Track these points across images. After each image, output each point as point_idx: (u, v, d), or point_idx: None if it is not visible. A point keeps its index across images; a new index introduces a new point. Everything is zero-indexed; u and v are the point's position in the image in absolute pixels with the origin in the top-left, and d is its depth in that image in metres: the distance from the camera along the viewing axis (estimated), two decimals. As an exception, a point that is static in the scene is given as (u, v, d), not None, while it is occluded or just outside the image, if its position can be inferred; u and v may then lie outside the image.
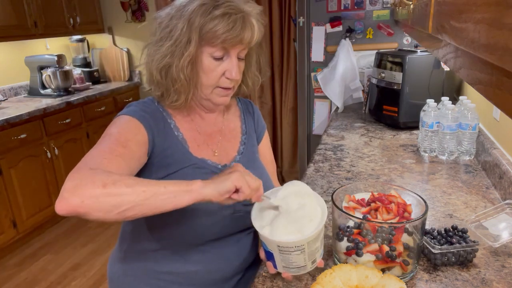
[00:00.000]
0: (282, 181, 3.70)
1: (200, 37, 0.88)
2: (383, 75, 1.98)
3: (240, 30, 0.87)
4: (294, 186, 0.90)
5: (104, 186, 0.68)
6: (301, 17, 2.88)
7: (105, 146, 0.81)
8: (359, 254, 0.84)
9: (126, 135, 0.85)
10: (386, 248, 0.82)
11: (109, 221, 0.72)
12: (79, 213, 0.68)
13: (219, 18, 0.86)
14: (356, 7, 2.75)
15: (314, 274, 0.88)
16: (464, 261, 0.91)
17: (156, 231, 0.96)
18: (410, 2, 1.14)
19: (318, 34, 2.89)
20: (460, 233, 0.94)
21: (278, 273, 0.87)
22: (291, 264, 0.82)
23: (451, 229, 0.95)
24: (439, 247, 0.89)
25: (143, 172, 0.90)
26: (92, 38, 4.01)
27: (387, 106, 1.97)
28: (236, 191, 0.78)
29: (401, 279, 0.79)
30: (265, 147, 1.19)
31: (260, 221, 0.85)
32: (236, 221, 0.97)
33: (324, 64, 2.91)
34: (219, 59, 0.91)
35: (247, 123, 1.13)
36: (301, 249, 0.79)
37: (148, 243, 0.97)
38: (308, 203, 0.84)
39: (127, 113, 0.91)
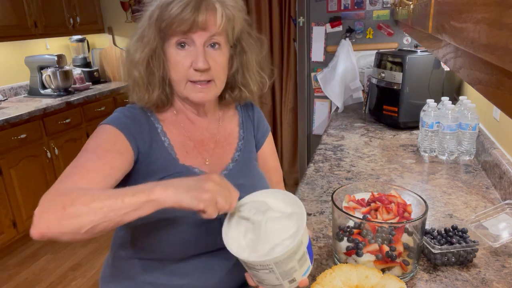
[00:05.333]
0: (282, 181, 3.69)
1: (158, 27, 0.86)
2: (383, 75, 1.98)
3: (190, 13, 0.82)
4: (270, 197, 0.80)
5: (64, 208, 0.67)
6: (301, 17, 2.88)
7: (80, 161, 0.80)
8: (359, 254, 0.84)
9: (103, 146, 0.83)
10: (386, 248, 0.82)
11: (86, 240, 0.70)
12: (49, 237, 0.67)
13: (172, 4, 0.83)
14: (356, 7, 2.75)
15: (314, 274, 0.88)
16: (464, 261, 0.91)
17: (142, 241, 0.91)
18: (410, 2, 1.14)
19: (318, 34, 2.89)
20: (460, 233, 0.94)
21: None
22: (263, 281, 0.75)
23: (451, 229, 0.95)
24: (439, 247, 0.89)
25: (129, 180, 0.87)
26: (92, 38, 4.01)
27: (387, 106, 1.97)
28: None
29: (401, 279, 0.79)
30: (266, 153, 1.11)
31: (230, 233, 0.77)
32: None
33: (324, 64, 2.91)
34: (183, 47, 0.87)
35: (245, 128, 1.06)
36: (268, 269, 0.71)
37: (135, 252, 0.94)
38: (283, 218, 0.75)
39: (107, 122, 0.88)
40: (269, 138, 1.12)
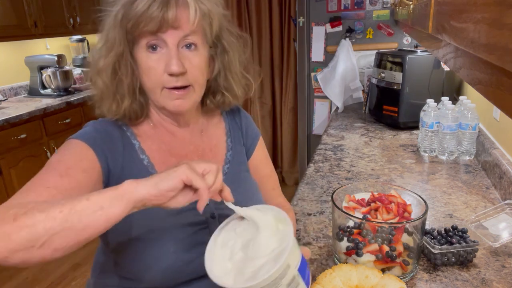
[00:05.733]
0: (282, 180, 3.70)
1: (124, 28, 0.76)
2: (383, 75, 1.98)
3: (158, 9, 0.72)
4: (261, 213, 0.70)
5: (15, 219, 0.55)
6: (301, 17, 2.88)
7: (39, 177, 0.70)
8: (359, 254, 0.84)
9: (66, 162, 0.73)
10: (386, 248, 0.82)
11: (38, 262, 0.56)
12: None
13: (137, 1, 0.73)
14: (356, 7, 2.75)
15: (314, 274, 0.88)
16: (464, 261, 0.91)
17: (125, 268, 0.82)
18: (410, 2, 1.14)
19: (318, 34, 2.89)
20: (460, 233, 0.94)
21: None
22: None
23: (451, 229, 0.95)
24: (439, 247, 0.89)
25: None
26: (92, 38, 4.00)
27: (387, 106, 1.97)
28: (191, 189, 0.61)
29: (401, 279, 0.79)
30: (258, 161, 1.01)
31: (215, 254, 0.68)
32: None
33: (324, 64, 2.91)
34: (154, 50, 0.77)
35: (233, 136, 0.97)
36: None
37: (118, 280, 0.84)
38: (271, 238, 0.67)
39: (75, 137, 0.79)
40: (260, 144, 1.03)
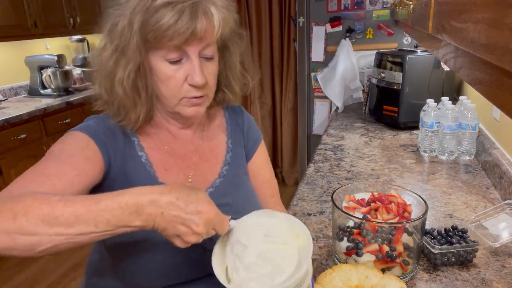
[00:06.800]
0: (282, 180, 3.70)
1: (144, 38, 0.71)
2: (383, 75, 1.98)
3: (189, 21, 0.68)
4: (270, 218, 0.68)
5: (14, 218, 0.54)
6: (301, 17, 2.88)
7: (40, 165, 0.69)
8: (359, 254, 0.84)
9: (69, 151, 0.72)
10: (386, 248, 0.82)
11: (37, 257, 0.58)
12: None
13: (161, 10, 0.68)
14: (356, 7, 2.75)
15: (314, 274, 0.88)
16: (464, 261, 0.91)
17: (116, 269, 0.81)
18: (410, 2, 1.14)
19: (318, 34, 2.89)
20: (460, 233, 0.94)
21: None
22: None
23: (451, 229, 0.95)
24: (439, 247, 0.89)
25: None
26: (92, 38, 4.00)
27: (387, 106, 1.97)
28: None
29: (401, 279, 0.79)
30: (258, 165, 0.99)
31: (221, 257, 0.67)
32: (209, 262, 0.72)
33: (324, 64, 2.91)
34: (176, 62, 0.74)
35: (234, 138, 0.95)
36: None
37: (110, 280, 0.84)
38: (287, 244, 0.64)
39: (77, 129, 0.78)
40: (261, 148, 1.00)
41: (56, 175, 0.66)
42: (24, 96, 3.36)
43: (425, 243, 0.92)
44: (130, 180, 0.79)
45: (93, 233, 0.57)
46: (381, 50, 2.14)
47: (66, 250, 0.58)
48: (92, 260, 0.92)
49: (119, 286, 0.82)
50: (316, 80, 2.95)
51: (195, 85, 0.75)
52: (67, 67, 3.33)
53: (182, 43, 0.71)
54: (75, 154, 0.71)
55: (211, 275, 0.69)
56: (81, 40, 3.80)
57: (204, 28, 0.71)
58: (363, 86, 2.61)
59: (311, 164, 1.57)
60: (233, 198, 0.69)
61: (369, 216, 0.91)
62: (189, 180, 0.86)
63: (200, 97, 0.78)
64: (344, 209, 0.89)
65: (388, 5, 2.67)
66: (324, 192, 1.33)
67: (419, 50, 1.91)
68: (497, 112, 1.44)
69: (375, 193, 0.96)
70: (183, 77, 0.75)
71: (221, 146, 0.93)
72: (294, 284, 0.60)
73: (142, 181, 0.79)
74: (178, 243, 0.61)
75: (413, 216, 0.90)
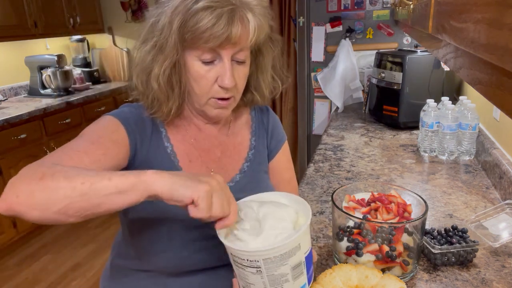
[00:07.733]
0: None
1: (181, 38, 0.75)
2: (383, 75, 1.98)
3: (225, 26, 0.72)
4: (275, 197, 0.75)
5: (42, 178, 0.59)
6: (301, 17, 2.88)
7: (71, 143, 0.74)
8: (359, 254, 0.84)
9: (99, 132, 0.77)
10: (386, 248, 0.82)
11: (53, 223, 0.61)
12: (15, 211, 0.59)
13: (200, 13, 0.72)
14: (356, 7, 2.75)
15: (315, 274, 0.88)
16: (464, 261, 0.91)
17: (138, 251, 0.86)
18: (410, 2, 1.14)
19: (318, 34, 2.89)
20: (460, 233, 0.94)
21: None
22: (249, 286, 0.67)
23: (451, 229, 0.95)
24: (439, 247, 0.89)
25: None
26: (92, 38, 4.01)
27: (387, 106, 1.97)
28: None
29: (401, 279, 0.79)
30: (280, 165, 1.02)
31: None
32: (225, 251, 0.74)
33: (324, 64, 2.91)
34: (209, 63, 0.78)
35: (258, 136, 0.98)
36: (255, 267, 0.63)
37: (131, 261, 0.89)
38: (284, 212, 0.69)
39: (111, 114, 0.83)
40: (284, 148, 1.03)
41: (85, 152, 0.72)
42: (24, 96, 3.36)
43: (425, 243, 0.92)
44: (153, 167, 0.81)
45: (111, 190, 0.60)
46: (381, 50, 2.14)
47: (78, 215, 0.60)
48: (116, 242, 0.98)
49: (138, 267, 0.87)
50: (316, 80, 2.95)
51: (224, 86, 0.79)
52: (67, 67, 3.33)
53: (217, 46, 0.75)
54: (104, 136, 0.77)
55: (228, 265, 0.75)
56: (81, 40, 3.80)
57: (239, 34, 0.74)
58: (363, 86, 2.62)
59: (311, 164, 1.57)
60: (251, 194, 0.72)
61: (369, 216, 0.91)
62: (211, 173, 0.88)
63: (227, 99, 0.82)
64: (344, 209, 0.89)
65: (388, 5, 2.67)
66: (324, 192, 1.33)
67: (419, 50, 1.91)
68: (497, 112, 1.44)
69: (375, 193, 0.96)
70: (214, 77, 0.79)
71: (245, 143, 0.97)
72: (282, 249, 0.62)
73: (165, 170, 0.82)
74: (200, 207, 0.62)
75: (413, 216, 0.90)
